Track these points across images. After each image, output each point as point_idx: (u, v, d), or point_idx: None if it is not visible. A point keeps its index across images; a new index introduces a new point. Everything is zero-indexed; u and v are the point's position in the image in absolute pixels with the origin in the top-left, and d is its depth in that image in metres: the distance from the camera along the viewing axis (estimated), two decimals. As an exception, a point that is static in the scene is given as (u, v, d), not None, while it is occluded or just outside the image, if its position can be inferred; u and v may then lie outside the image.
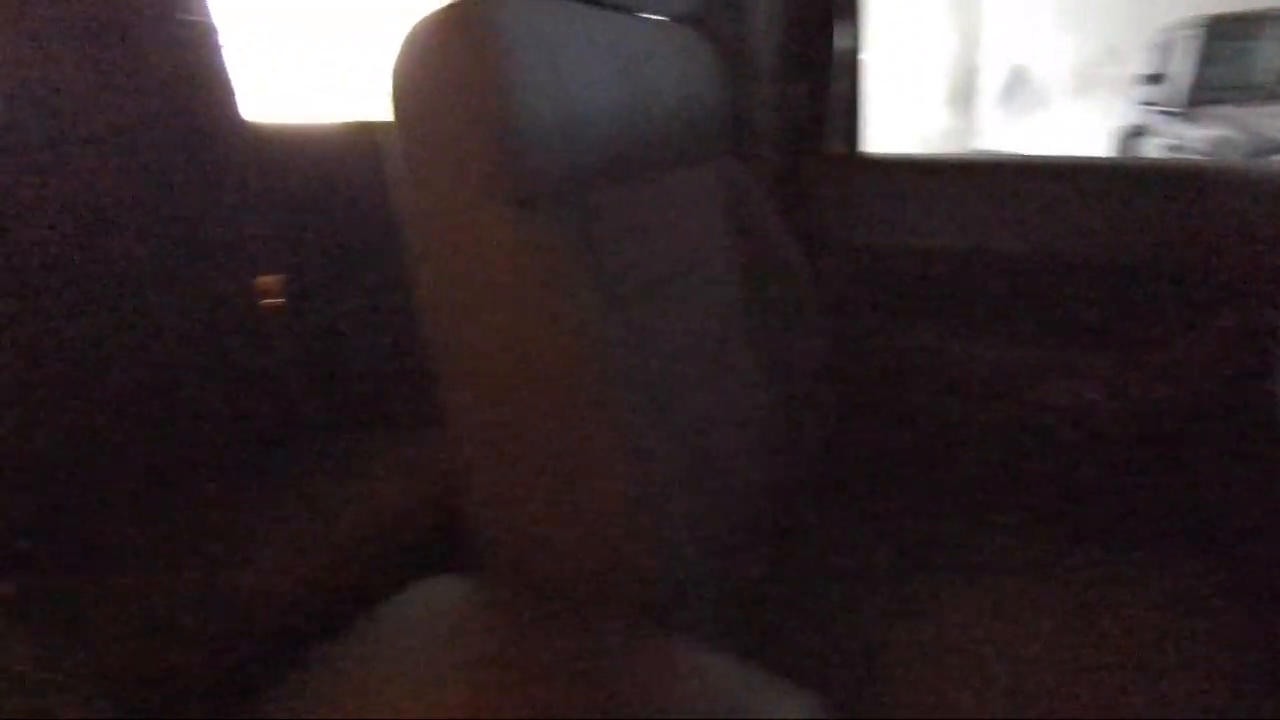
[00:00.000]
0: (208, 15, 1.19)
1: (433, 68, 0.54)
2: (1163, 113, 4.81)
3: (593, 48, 0.61)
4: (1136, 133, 5.36)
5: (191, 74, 1.20)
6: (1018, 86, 7.49)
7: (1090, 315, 0.90)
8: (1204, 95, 4.46)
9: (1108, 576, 0.75)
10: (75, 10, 1.08)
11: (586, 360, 0.53)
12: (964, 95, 7.08)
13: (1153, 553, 0.78)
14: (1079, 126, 6.87)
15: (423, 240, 0.56)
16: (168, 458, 0.96)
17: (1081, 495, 0.91)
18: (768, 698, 0.44)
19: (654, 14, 0.74)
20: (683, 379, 0.66)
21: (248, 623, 0.68)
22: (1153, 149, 4.97)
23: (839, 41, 1.01)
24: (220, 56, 1.23)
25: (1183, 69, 4.73)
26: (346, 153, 1.33)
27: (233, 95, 1.25)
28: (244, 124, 1.27)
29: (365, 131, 1.34)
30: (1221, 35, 4.70)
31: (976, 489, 0.94)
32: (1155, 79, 5.01)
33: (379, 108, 1.22)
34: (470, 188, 0.54)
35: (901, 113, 6.04)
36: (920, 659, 0.67)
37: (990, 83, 7.51)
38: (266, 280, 1.27)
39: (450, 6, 0.55)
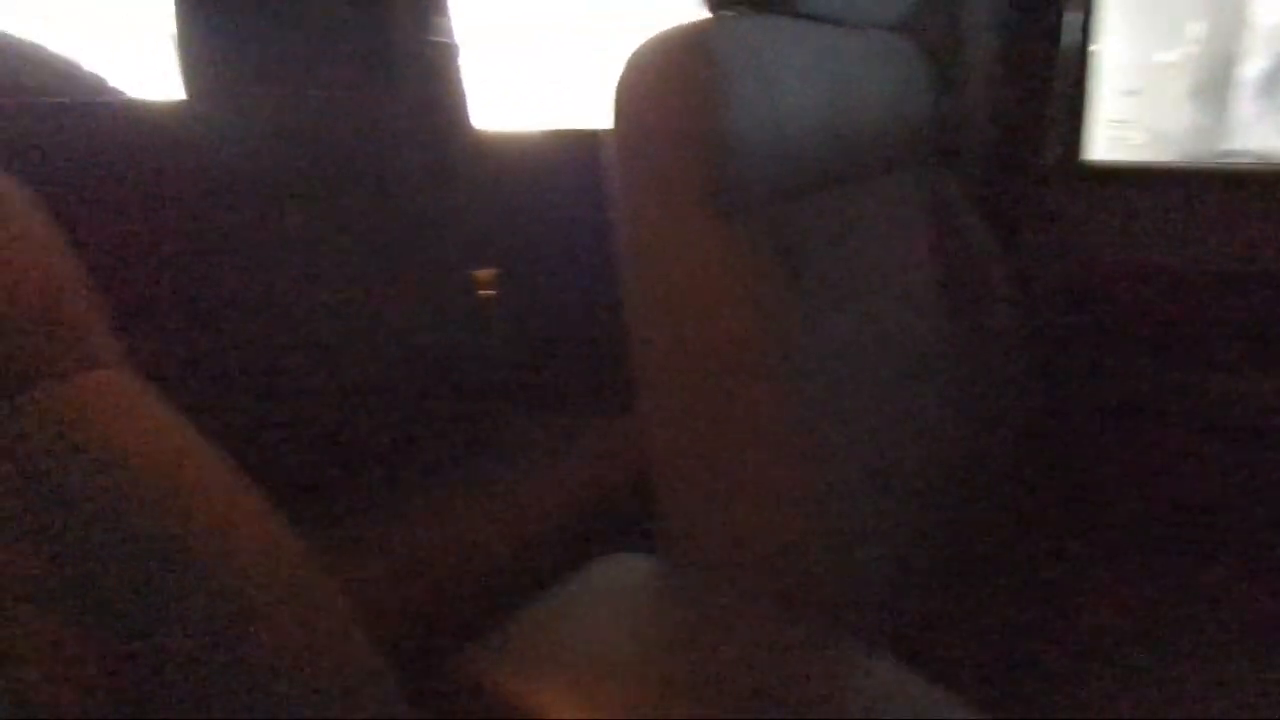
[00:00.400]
0: (452, 36, 1.34)
1: (653, 87, 0.58)
2: None
3: (805, 62, 0.63)
4: None
5: (434, 90, 1.35)
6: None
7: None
8: None
9: None
10: (342, 51, 1.26)
11: (778, 365, 0.55)
12: (1217, 88, 6.19)
13: None
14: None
15: (632, 244, 0.61)
16: (397, 430, 1.10)
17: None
18: (931, 707, 0.44)
19: (866, 25, 0.74)
20: (870, 390, 0.66)
21: (462, 578, 0.78)
22: None
23: (1066, 38, 0.94)
24: (459, 72, 1.38)
25: None
26: (562, 158, 1.43)
27: (466, 106, 1.40)
28: (474, 132, 1.41)
29: (581, 138, 1.44)
30: None
31: (1221, 534, 0.85)
32: None
33: (596, 117, 1.31)
34: (679, 198, 0.58)
35: (1134, 111, 5.39)
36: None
37: (1251, 73, 6.51)
38: (483, 273, 1.40)
39: (673, 30, 0.59)
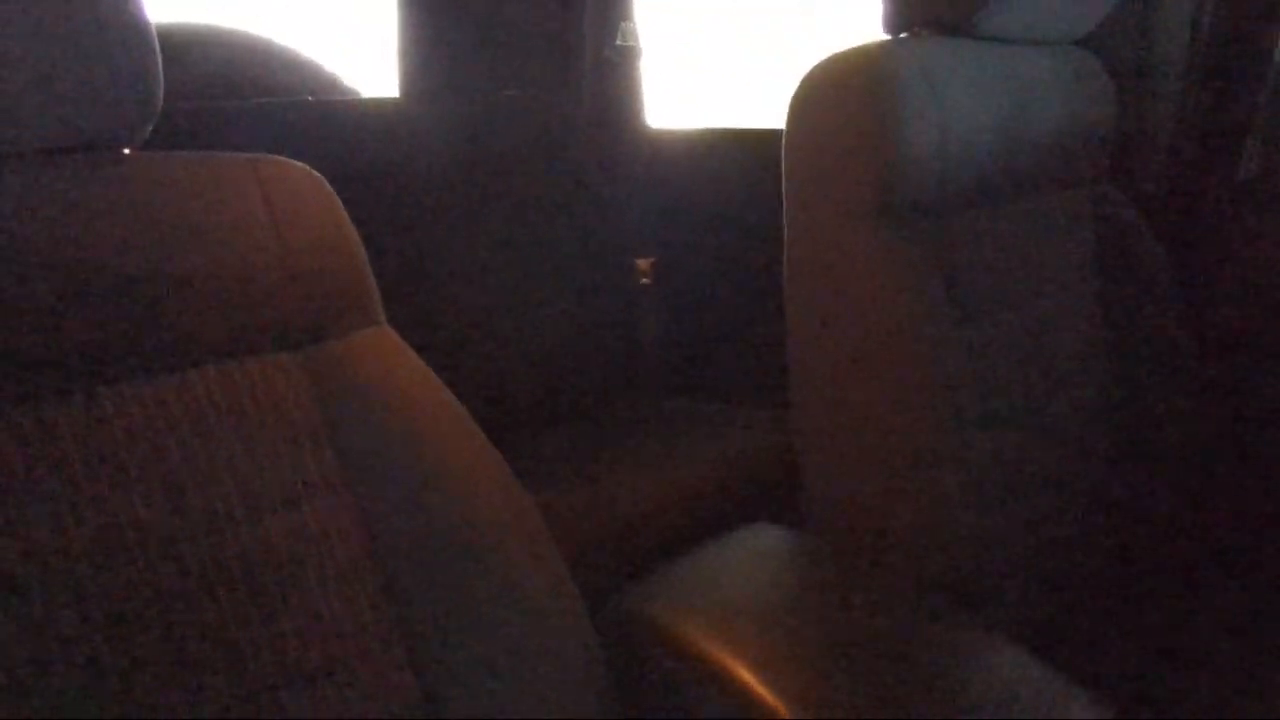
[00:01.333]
0: (638, 40, 1.45)
1: (826, 104, 0.64)
2: None
3: (981, 82, 0.66)
4: None
5: (615, 90, 1.46)
6: None
7: None
8: None
9: None
10: (537, 55, 1.39)
11: (927, 363, 0.60)
12: None
13: None
14: None
15: (798, 246, 0.67)
16: (569, 404, 1.23)
17: None
18: (1061, 701, 0.47)
19: (1049, 43, 0.75)
20: (1017, 398, 0.69)
21: (628, 533, 0.88)
22: None
23: (1271, 47, 0.89)
24: (639, 74, 1.48)
25: None
26: (728, 156, 1.50)
27: (642, 105, 1.50)
28: (648, 130, 1.51)
29: (747, 138, 1.50)
30: None
31: None
32: None
33: (764, 118, 1.37)
34: (845, 207, 0.63)
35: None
36: None
37: None
38: (643, 262, 1.51)
39: (850, 50, 0.65)
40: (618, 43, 1.44)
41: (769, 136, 1.40)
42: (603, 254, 1.46)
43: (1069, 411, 0.74)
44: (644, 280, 1.51)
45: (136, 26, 0.42)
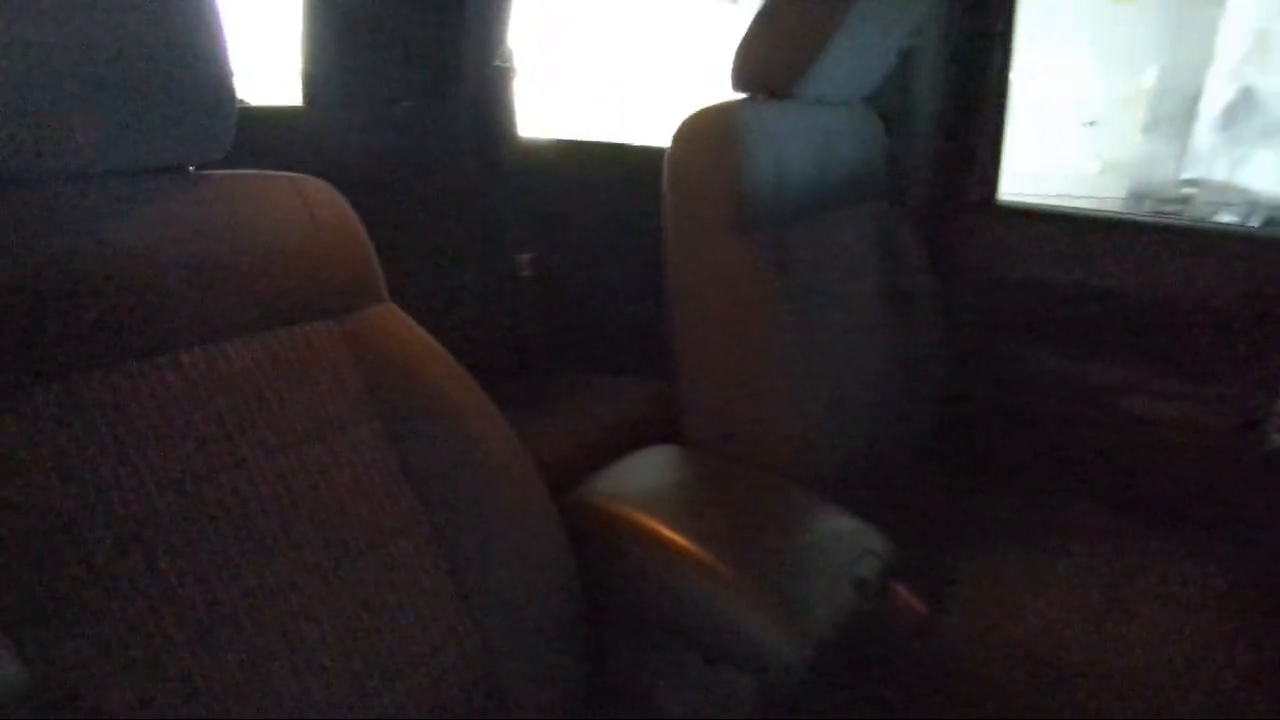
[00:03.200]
0: (512, 62, 1.65)
1: (697, 145, 0.90)
2: None
3: (798, 131, 0.95)
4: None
5: (491, 104, 1.66)
6: (1244, 111, 6.89)
7: (1167, 347, 1.12)
8: None
9: (1169, 565, 0.98)
10: (419, 76, 1.56)
11: (777, 332, 0.88)
12: (1178, 121, 6.62)
13: (1216, 556, 0.99)
14: (1318, 160, 6.24)
15: (677, 252, 0.93)
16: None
17: (1160, 492, 1.13)
18: (868, 539, 0.75)
19: (840, 102, 1.06)
20: (835, 354, 0.99)
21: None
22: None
23: (985, 105, 1.28)
24: (511, 90, 1.68)
25: None
26: (592, 164, 1.74)
27: (514, 118, 1.70)
28: (519, 139, 1.72)
29: (610, 150, 1.75)
30: None
31: (1072, 476, 1.19)
32: None
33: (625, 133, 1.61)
34: (711, 220, 0.90)
35: (1105, 146, 5.81)
36: (1009, 575, 0.96)
37: (1214, 107, 6.98)
38: (523, 257, 1.72)
39: (711, 107, 0.91)
40: (496, 64, 1.63)
41: (629, 150, 1.68)
42: (488, 250, 1.66)
43: (868, 355, 1.06)
44: (525, 273, 1.72)
45: (217, 56, 0.53)
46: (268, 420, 0.58)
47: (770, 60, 0.93)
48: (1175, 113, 6.68)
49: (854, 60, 0.96)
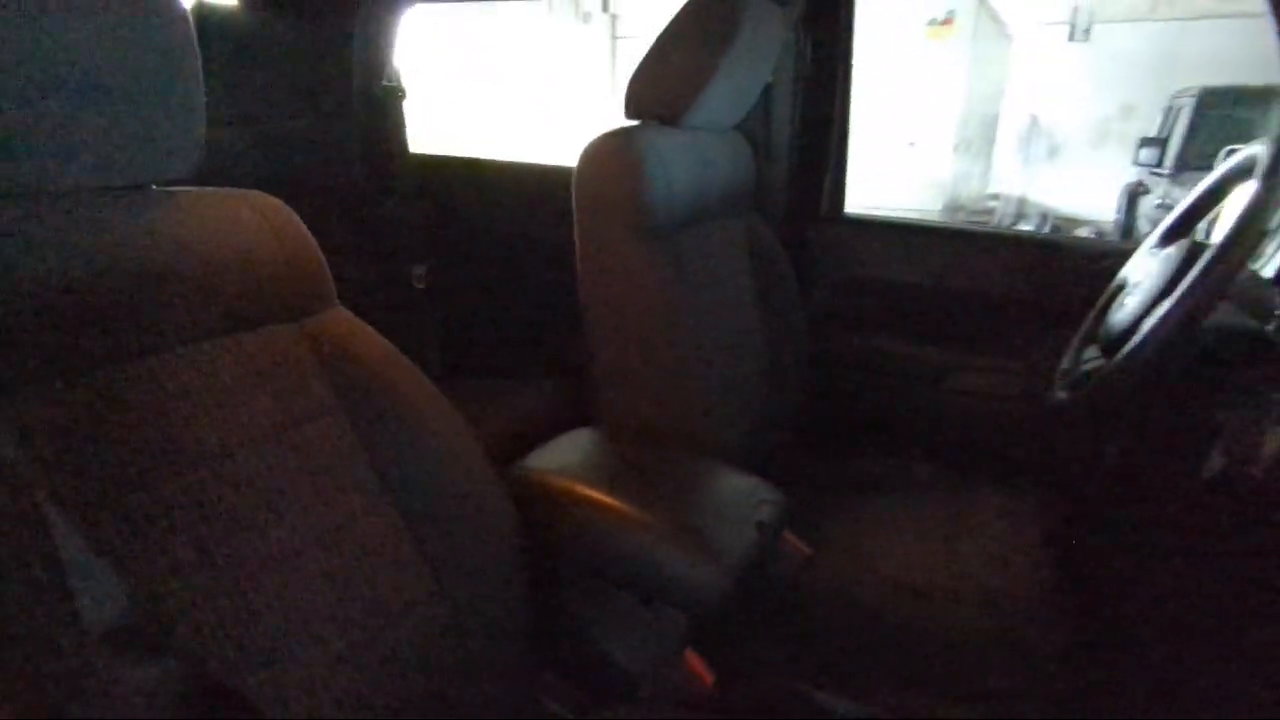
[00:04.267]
0: (400, 82, 1.71)
1: (602, 165, 1.04)
2: (1152, 173, 5.23)
3: (684, 153, 1.11)
4: (1138, 190, 5.75)
5: (381, 122, 1.72)
6: (1034, 136, 7.97)
7: (980, 331, 1.39)
8: (1188, 161, 4.85)
9: (989, 509, 1.21)
10: (304, 86, 1.60)
11: (676, 326, 1.02)
12: (981, 143, 7.56)
13: (1023, 499, 1.23)
14: (1092, 177, 7.35)
15: (586, 256, 1.05)
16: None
17: (981, 451, 1.38)
18: (760, 490, 0.91)
19: (718, 128, 1.23)
20: (722, 345, 1.15)
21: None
22: (1149, 204, 5.38)
23: (831, 131, 1.51)
24: (401, 107, 1.74)
25: (1176, 135, 5.16)
26: (486, 180, 1.83)
27: (405, 135, 1.76)
28: (411, 156, 1.78)
29: (502, 167, 1.85)
30: (1212, 105, 5.09)
31: (912, 442, 1.42)
32: (1154, 142, 5.38)
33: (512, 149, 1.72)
34: (616, 230, 1.03)
35: (923, 164, 6.52)
36: (867, 523, 1.16)
37: (1009, 132, 8.02)
38: (418, 270, 1.78)
39: (613, 131, 1.05)
40: (384, 83, 1.69)
41: (520, 167, 1.79)
42: (382, 263, 1.71)
43: (747, 345, 1.23)
44: (420, 285, 1.78)
45: (188, 81, 0.59)
46: (244, 413, 0.64)
47: (660, 93, 1.08)
48: (979, 136, 7.63)
49: (728, 94, 1.13)
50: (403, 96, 1.72)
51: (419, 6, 1.71)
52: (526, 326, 1.80)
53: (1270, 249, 1.02)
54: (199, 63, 0.60)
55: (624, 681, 0.84)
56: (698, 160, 1.14)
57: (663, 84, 1.08)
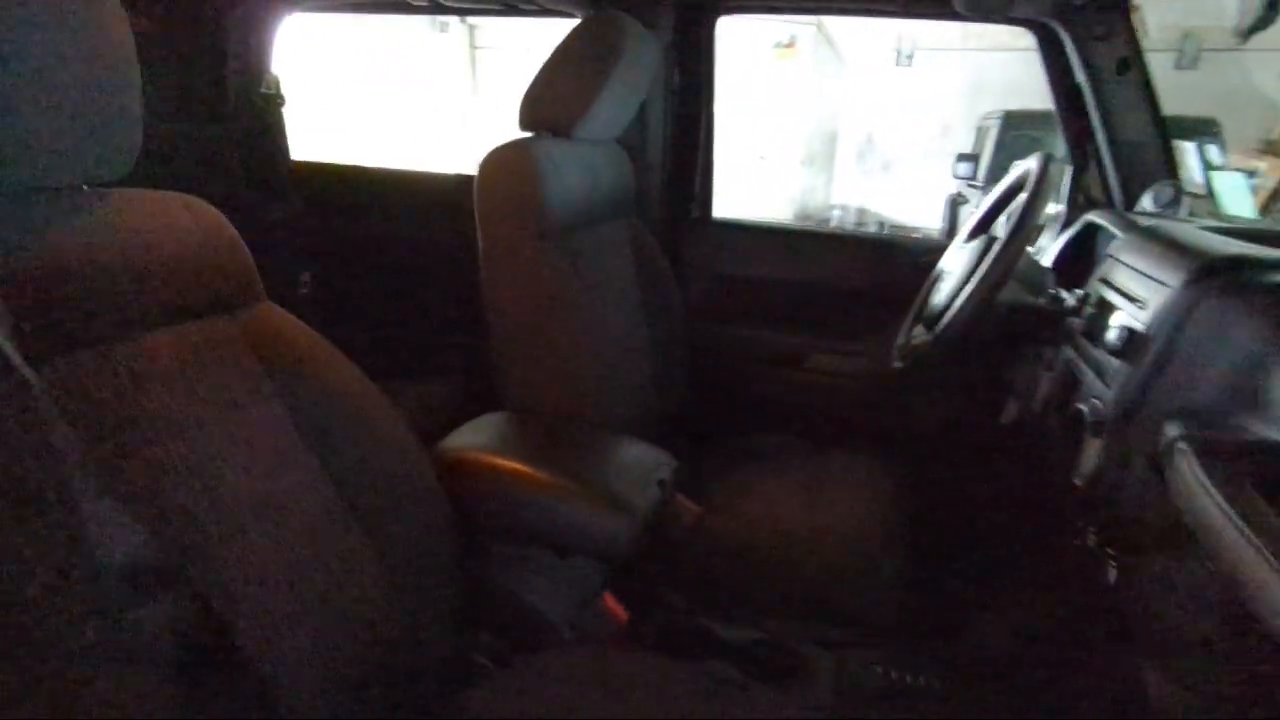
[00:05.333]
0: (279, 90, 1.73)
1: (502, 173, 1.14)
2: (969, 185, 5.93)
3: (576, 162, 1.23)
4: (958, 200, 6.48)
5: (261, 128, 1.73)
6: (869, 152, 8.73)
7: (832, 318, 1.61)
8: (996, 174, 5.55)
9: (842, 467, 1.41)
10: (176, 90, 1.59)
11: (572, 315, 1.14)
12: (824, 158, 8.21)
13: (868, 456, 1.44)
14: (919, 189, 8.15)
15: (491, 259, 1.15)
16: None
17: (834, 419, 1.59)
18: (656, 456, 1.05)
19: (602, 140, 1.36)
20: (610, 332, 1.28)
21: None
22: (967, 214, 6.08)
23: (698, 144, 1.69)
24: (281, 116, 1.75)
25: (986, 152, 5.88)
26: (369, 187, 1.87)
27: (286, 143, 1.78)
28: (294, 164, 1.80)
29: (386, 175, 1.89)
30: (1014, 126, 5.86)
31: (778, 415, 1.62)
32: (969, 158, 6.10)
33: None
34: (518, 233, 1.14)
35: (774, 176, 6.99)
36: (744, 485, 1.32)
37: (848, 148, 8.76)
38: (304, 276, 1.79)
39: (511, 142, 1.16)
40: (262, 90, 1.70)
41: (407, 175, 1.85)
42: (265, 270, 1.70)
43: (634, 334, 1.37)
44: (304, 291, 1.79)
45: (128, 86, 0.61)
46: (189, 398, 0.70)
47: (552, 109, 1.20)
48: (822, 152, 8.28)
49: (612, 110, 1.27)
50: (282, 104, 1.73)
51: (298, 15, 1.74)
52: (413, 330, 1.86)
53: (1043, 240, 1.28)
54: (137, 67, 0.64)
55: (547, 629, 0.95)
56: (586, 169, 1.27)
57: (554, 100, 1.20)
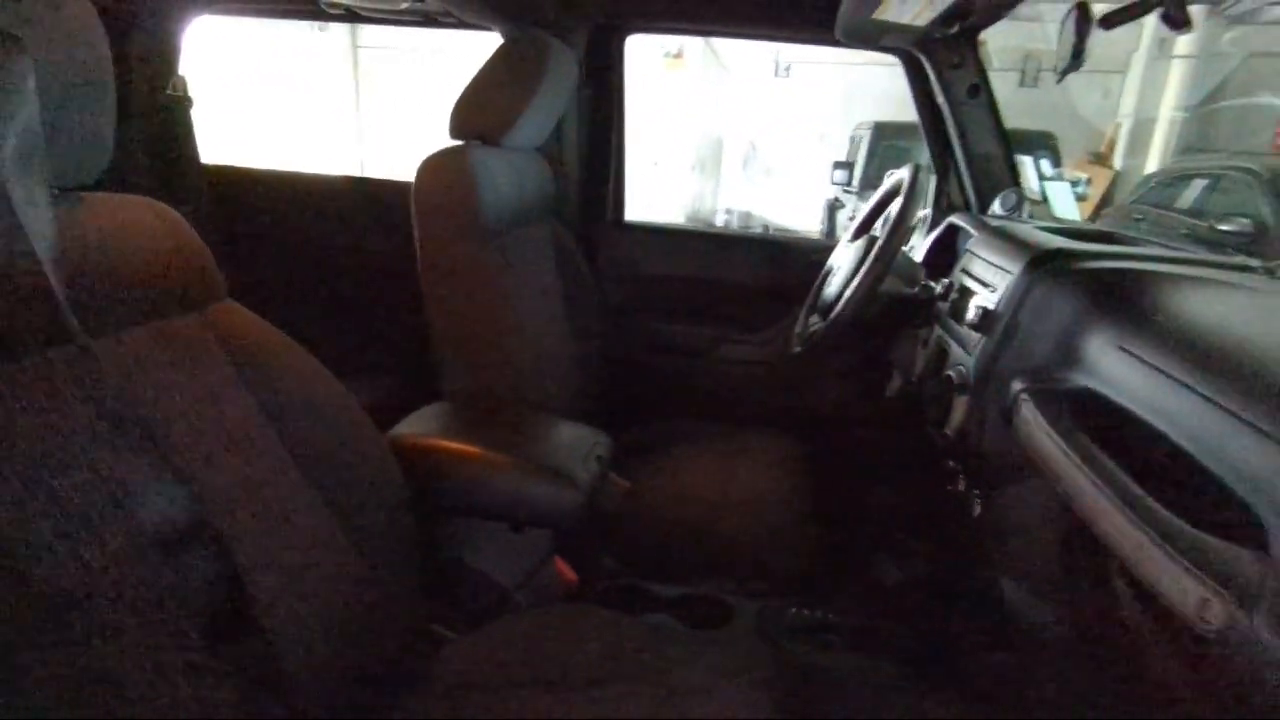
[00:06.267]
0: (187, 91, 1.72)
1: (440, 178, 1.22)
2: (845, 191, 6.36)
3: (506, 168, 1.32)
4: (835, 204, 6.94)
5: (171, 132, 1.71)
6: (752, 159, 9.16)
7: (734, 311, 1.77)
8: (869, 181, 6.00)
9: (751, 443, 1.57)
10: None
11: (507, 309, 1.24)
12: (712, 164, 8.56)
13: (774, 432, 1.61)
14: (800, 194, 8.63)
15: (429, 258, 1.23)
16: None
17: (742, 402, 1.75)
18: (594, 437, 1.16)
19: (525, 149, 1.46)
20: (540, 326, 1.38)
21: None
22: (844, 216, 6.52)
23: (610, 152, 1.81)
24: (190, 117, 1.74)
25: (860, 159, 6.34)
26: (281, 190, 1.88)
27: (195, 145, 1.77)
28: (205, 167, 1.79)
29: (298, 179, 1.90)
30: (883, 136, 6.34)
31: (691, 401, 1.76)
32: (844, 165, 6.56)
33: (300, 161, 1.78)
34: (455, 232, 1.22)
35: (670, 181, 7.23)
36: (665, 464, 1.45)
37: (733, 155, 9.15)
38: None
39: (447, 149, 1.24)
40: (168, 92, 1.68)
41: (319, 178, 1.87)
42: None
43: (560, 329, 1.47)
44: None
45: (102, 93, 0.63)
46: (168, 390, 0.75)
47: (483, 119, 1.29)
48: (710, 158, 8.62)
49: (537, 121, 1.37)
50: (190, 105, 1.72)
51: (206, 18, 1.73)
52: (346, 331, 1.88)
53: (915, 239, 1.49)
54: (111, 76, 0.68)
55: (503, 595, 1.04)
56: (515, 175, 1.37)
57: (486, 111, 1.29)
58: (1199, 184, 5.55)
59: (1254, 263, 0.98)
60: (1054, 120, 6.53)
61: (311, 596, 0.77)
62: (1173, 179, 6.15)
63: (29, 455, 0.56)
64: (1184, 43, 7.34)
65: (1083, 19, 1.03)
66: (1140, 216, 5.17)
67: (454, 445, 1.05)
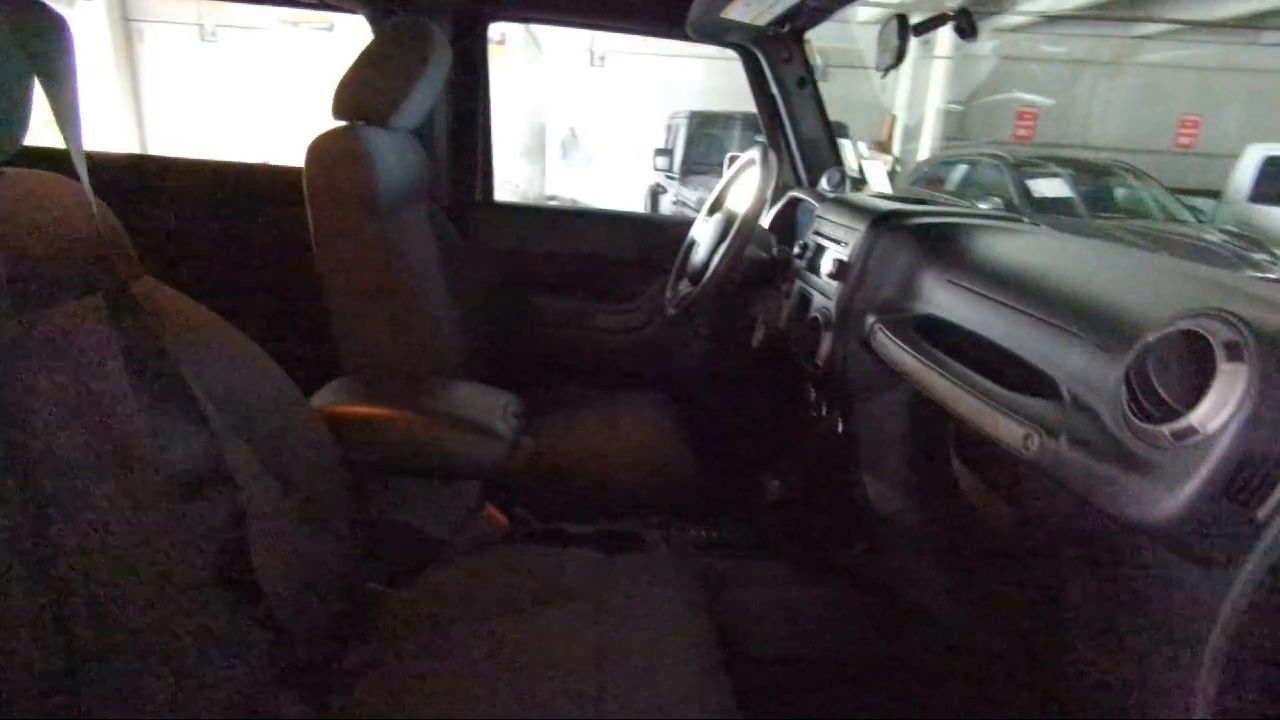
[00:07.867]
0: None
1: (332, 158, 1.25)
2: (668, 177, 6.70)
3: (391, 148, 1.37)
4: (658, 190, 7.27)
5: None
6: (571, 146, 9.32)
7: (606, 282, 1.92)
8: (690, 167, 6.37)
9: (634, 401, 1.71)
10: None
11: (403, 284, 1.29)
12: (537, 150, 8.61)
13: (653, 389, 1.76)
14: (621, 179, 8.92)
15: (324, 236, 1.25)
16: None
17: (620, 366, 1.90)
18: (509, 394, 1.25)
19: (407, 130, 1.50)
20: (433, 304, 1.44)
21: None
22: (668, 201, 6.86)
23: (477, 136, 1.88)
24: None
25: (678, 147, 6.70)
26: (215, 181, 1.78)
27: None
28: (119, 157, 1.65)
29: (223, 169, 1.80)
30: (700, 125, 6.74)
31: (572, 368, 1.88)
32: (665, 152, 6.90)
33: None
34: (350, 211, 1.26)
35: (500, 167, 7.18)
36: (556, 425, 1.56)
37: (554, 141, 9.26)
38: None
39: (335, 129, 1.27)
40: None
41: (231, 166, 1.78)
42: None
43: (448, 301, 1.54)
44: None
45: (19, 67, 0.64)
46: (101, 368, 0.76)
47: (370, 100, 1.32)
48: (535, 144, 8.68)
49: (418, 103, 1.42)
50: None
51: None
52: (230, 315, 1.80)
53: (768, 212, 1.70)
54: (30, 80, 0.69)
55: (435, 546, 1.12)
56: (400, 155, 1.41)
57: (372, 92, 1.32)
58: (961, 168, 6.48)
59: (1024, 219, 1.28)
60: (843, 112, 7.27)
61: (261, 543, 0.80)
62: (940, 164, 7.11)
63: None
64: (944, 45, 8.49)
65: (902, 27, 1.27)
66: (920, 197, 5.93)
67: (379, 410, 1.10)
